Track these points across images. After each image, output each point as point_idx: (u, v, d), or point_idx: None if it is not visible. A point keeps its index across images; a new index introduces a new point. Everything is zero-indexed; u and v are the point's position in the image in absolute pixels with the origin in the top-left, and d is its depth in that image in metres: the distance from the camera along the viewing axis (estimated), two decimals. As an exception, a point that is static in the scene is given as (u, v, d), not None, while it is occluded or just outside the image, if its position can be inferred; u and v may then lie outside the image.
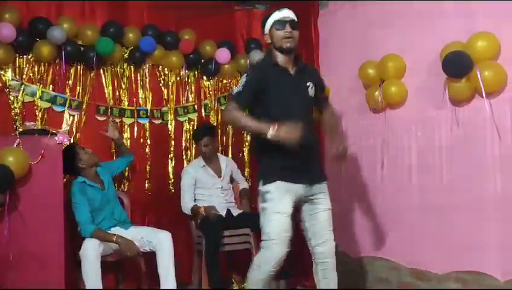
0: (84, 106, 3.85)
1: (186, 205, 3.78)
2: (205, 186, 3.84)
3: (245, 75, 2.62)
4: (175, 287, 3.32)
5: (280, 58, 2.65)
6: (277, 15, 2.61)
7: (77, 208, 3.30)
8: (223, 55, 4.23)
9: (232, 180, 4.06)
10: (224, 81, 4.44)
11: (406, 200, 3.39)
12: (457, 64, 2.84)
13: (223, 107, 4.41)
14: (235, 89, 2.65)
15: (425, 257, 3.26)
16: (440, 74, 2.99)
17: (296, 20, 2.63)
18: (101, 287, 3.11)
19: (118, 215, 3.53)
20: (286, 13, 2.62)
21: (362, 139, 3.74)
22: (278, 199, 2.52)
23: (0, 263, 2.87)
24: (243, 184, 4.12)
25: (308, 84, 2.69)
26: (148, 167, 4.06)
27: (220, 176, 3.91)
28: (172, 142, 4.19)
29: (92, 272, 3.10)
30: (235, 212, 3.85)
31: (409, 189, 3.37)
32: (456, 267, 3.07)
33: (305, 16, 4.17)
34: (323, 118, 2.91)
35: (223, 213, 3.77)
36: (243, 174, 4.31)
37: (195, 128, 4.17)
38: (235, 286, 3.98)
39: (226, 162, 4.00)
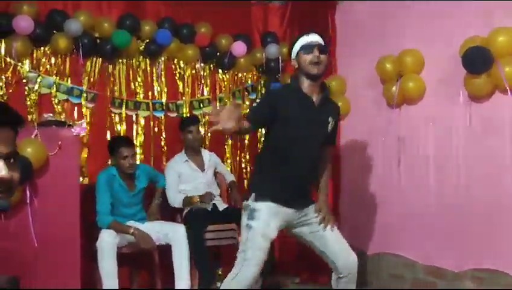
0: (99, 98, 3.87)
1: (175, 198, 3.71)
2: (188, 181, 3.78)
3: (264, 95, 2.55)
4: (188, 280, 3.34)
5: (306, 84, 2.52)
6: (304, 39, 2.51)
7: (99, 198, 3.32)
8: (238, 48, 4.21)
9: (216, 174, 4.00)
10: (240, 74, 4.43)
11: (422, 197, 3.36)
12: (478, 60, 2.80)
13: (238, 101, 4.40)
14: (254, 106, 2.58)
15: (441, 254, 3.24)
16: (459, 69, 2.96)
17: (324, 44, 2.52)
18: (117, 279, 3.14)
19: (139, 216, 3.55)
20: (314, 37, 2.51)
21: (378, 135, 3.71)
22: (266, 222, 2.43)
23: (21, 252, 2.90)
24: (229, 177, 4.05)
25: (329, 119, 2.57)
26: (164, 160, 4.07)
27: (202, 170, 3.86)
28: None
29: (107, 263, 3.14)
30: (221, 206, 3.82)
31: (426, 186, 3.34)
32: (472, 265, 3.05)
33: (322, 10, 4.15)
34: (321, 178, 2.73)
35: (209, 208, 3.73)
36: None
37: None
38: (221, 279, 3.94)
39: (209, 157, 3.94)
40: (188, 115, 4.15)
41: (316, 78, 2.50)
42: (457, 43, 3.00)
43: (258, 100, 2.55)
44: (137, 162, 3.73)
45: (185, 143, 3.87)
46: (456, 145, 3.16)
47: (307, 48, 2.48)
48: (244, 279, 2.40)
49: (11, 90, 3.55)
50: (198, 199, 3.65)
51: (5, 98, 3.51)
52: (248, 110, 2.44)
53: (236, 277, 2.42)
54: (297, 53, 2.52)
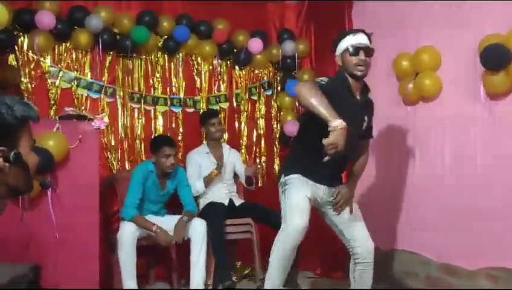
0: (119, 93, 3.93)
1: (198, 185, 3.73)
2: (205, 173, 3.80)
3: (324, 79, 2.51)
4: (204, 274, 3.38)
5: (349, 82, 2.57)
6: (352, 40, 2.51)
7: (130, 189, 3.39)
8: (255, 45, 4.24)
9: (235, 174, 4.00)
10: (256, 71, 4.46)
11: (438, 195, 3.35)
12: (496, 57, 2.78)
13: (254, 97, 4.44)
14: (317, 79, 2.53)
15: (456, 252, 3.22)
16: (477, 67, 2.94)
17: (371, 46, 2.54)
18: (135, 270, 3.21)
19: (161, 212, 3.61)
20: (362, 39, 2.52)
21: (393, 132, 3.70)
22: (298, 183, 2.53)
23: (42, 241, 2.98)
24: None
25: (365, 118, 2.64)
26: (180, 155, 4.13)
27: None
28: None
29: (127, 255, 3.20)
30: (238, 202, 3.86)
31: (442, 184, 3.33)
32: (488, 263, 3.03)
33: (339, 7, 4.15)
34: (356, 162, 2.82)
35: (226, 203, 3.78)
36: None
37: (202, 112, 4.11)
38: (238, 272, 3.97)
39: (228, 152, 3.96)
40: (206, 110, 4.19)
41: (360, 78, 2.55)
42: (476, 41, 2.98)
43: (320, 80, 2.47)
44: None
45: (207, 136, 3.92)
46: (473, 143, 3.14)
47: (354, 50, 2.50)
48: (289, 232, 2.42)
49: (34, 85, 3.63)
50: (215, 171, 3.70)
51: (29, 91, 3.59)
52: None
53: (281, 235, 2.46)
54: (343, 51, 2.53)
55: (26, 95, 3.55)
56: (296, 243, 2.44)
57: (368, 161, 2.92)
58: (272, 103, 4.54)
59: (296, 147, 2.76)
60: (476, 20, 3.08)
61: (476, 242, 3.09)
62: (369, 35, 2.56)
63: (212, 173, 3.71)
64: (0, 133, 1.22)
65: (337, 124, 2.20)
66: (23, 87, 3.59)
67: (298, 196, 2.50)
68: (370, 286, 2.66)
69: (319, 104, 2.27)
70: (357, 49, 2.49)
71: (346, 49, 2.51)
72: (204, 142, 3.97)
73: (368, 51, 2.52)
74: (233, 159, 3.99)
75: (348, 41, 2.52)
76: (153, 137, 3.83)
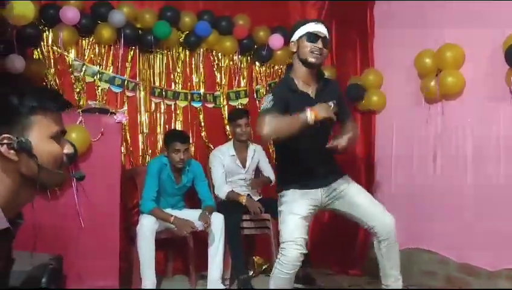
0: (140, 88, 3.98)
1: (222, 188, 3.73)
2: (228, 175, 3.82)
3: (269, 96, 2.48)
4: (221, 268, 3.41)
5: (301, 70, 2.54)
6: (312, 27, 2.50)
7: (147, 183, 3.43)
8: (276, 41, 4.24)
9: (258, 169, 3.99)
10: (276, 67, 4.46)
11: (459, 195, 3.31)
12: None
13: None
14: (263, 107, 2.44)
15: (476, 252, 3.18)
16: (501, 65, 2.90)
17: (328, 38, 2.53)
18: (153, 262, 3.25)
19: (178, 205, 3.65)
20: (321, 28, 2.51)
21: (414, 131, 3.67)
22: (292, 201, 2.51)
23: (66, 232, 3.05)
24: (269, 174, 3.97)
25: (330, 103, 2.51)
26: (193, 150, 4.13)
27: (244, 167, 3.89)
28: (225, 126, 4.24)
29: (146, 248, 3.24)
30: (255, 198, 3.86)
31: (463, 184, 3.28)
32: (508, 264, 2.99)
33: (360, 5, 4.12)
34: (344, 128, 2.66)
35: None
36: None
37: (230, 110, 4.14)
38: (256, 268, 3.99)
39: (253, 152, 3.93)
40: (235, 108, 4.17)
41: (313, 66, 2.52)
42: (500, 39, 2.94)
43: (266, 103, 2.43)
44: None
45: (233, 135, 3.90)
46: (496, 143, 3.09)
47: (312, 37, 2.48)
48: (286, 261, 2.44)
49: (58, 78, 3.69)
50: (244, 200, 3.66)
51: (53, 85, 3.66)
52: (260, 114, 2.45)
53: (279, 262, 2.47)
54: (300, 37, 2.51)
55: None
56: (291, 270, 2.45)
57: (356, 127, 2.81)
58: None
59: (279, 159, 2.73)
60: (501, 18, 3.03)
61: (496, 242, 3.05)
62: (328, 29, 2.55)
63: (241, 198, 3.67)
64: (10, 120, 1.23)
65: (309, 116, 2.25)
66: (48, 81, 3.66)
67: (292, 220, 2.47)
68: (399, 259, 2.63)
69: (291, 124, 2.30)
70: (316, 37, 2.48)
71: (305, 34, 2.49)
72: (230, 141, 3.95)
73: (325, 42, 2.50)
74: (258, 158, 3.98)
75: (308, 28, 2.50)
76: (166, 131, 3.86)
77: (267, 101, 2.43)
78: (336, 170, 2.66)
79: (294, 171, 2.55)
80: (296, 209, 2.49)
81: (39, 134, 1.25)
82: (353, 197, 2.59)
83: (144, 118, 3.99)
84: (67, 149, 1.32)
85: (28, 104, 1.24)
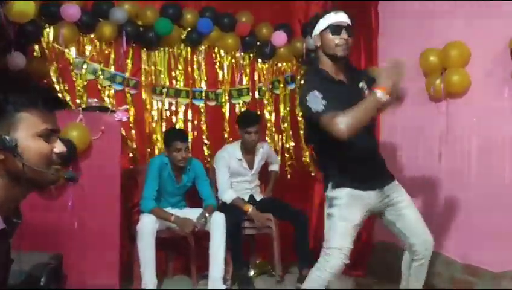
0: (141, 85, 3.95)
1: (227, 192, 3.69)
2: (233, 176, 3.78)
3: (310, 93, 2.28)
4: (223, 267, 3.38)
5: (328, 65, 2.42)
6: (333, 18, 2.36)
7: (147, 182, 3.41)
8: (279, 38, 4.20)
9: (265, 163, 3.98)
10: (279, 64, 4.42)
11: (464, 195, 3.28)
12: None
13: (276, 91, 4.40)
14: (315, 108, 2.25)
15: (481, 253, 3.15)
16: (507, 63, 2.86)
17: (351, 25, 2.38)
18: (154, 262, 3.23)
19: (179, 204, 3.62)
20: (343, 17, 2.37)
21: (419, 129, 3.63)
22: (346, 206, 2.38)
23: (65, 230, 3.03)
24: (273, 166, 4.04)
25: (361, 86, 2.45)
26: (191, 149, 4.09)
27: (251, 169, 3.85)
28: (226, 124, 4.21)
29: (146, 247, 3.22)
30: (258, 197, 3.84)
31: (468, 183, 3.25)
32: (514, 266, 2.96)
33: (365, 2, 4.08)
34: None
35: (246, 198, 3.76)
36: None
37: (241, 112, 4.10)
38: (258, 268, 3.95)
39: (261, 154, 3.88)
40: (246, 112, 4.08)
41: (341, 59, 2.40)
42: (506, 37, 2.90)
43: (315, 103, 2.25)
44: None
45: (242, 139, 3.82)
46: (502, 141, 3.05)
47: (335, 28, 2.33)
48: (328, 268, 2.37)
49: (61, 77, 3.66)
50: (250, 209, 3.61)
51: (54, 82, 3.64)
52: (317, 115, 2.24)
53: (320, 267, 2.40)
54: (323, 31, 2.38)
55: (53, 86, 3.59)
56: (332, 277, 2.38)
57: None
58: (296, 96, 4.49)
59: (328, 157, 2.50)
60: (507, 16, 2.98)
61: (502, 244, 3.02)
62: (349, 16, 2.41)
63: (246, 207, 3.63)
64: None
65: (380, 94, 2.15)
66: (48, 78, 3.63)
67: (344, 228, 2.37)
68: (424, 279, 2.56)
69: (365, 111, 2.18)
70: (339, 28, 2.33)
71: (327, 28, 2.35)
72: (237, 141, 3.87)
73: (349, 31, 2.35)
74: (265, 156, 3.94)
75: (329, 20, 2.36)
76: (166, 130, 3.81)
77: (314, 101, 2.24)
78: (388, 173, 2.57)
79: (349, 170, 2.40)
80: (350, 216, 2.38)
81: (26, 132, 1.23)
82: (403, 209, 2.49)
83: (145, 115, 3.96)
84: (59, 148, 1.29)
85: (14, 101, 1.21)
